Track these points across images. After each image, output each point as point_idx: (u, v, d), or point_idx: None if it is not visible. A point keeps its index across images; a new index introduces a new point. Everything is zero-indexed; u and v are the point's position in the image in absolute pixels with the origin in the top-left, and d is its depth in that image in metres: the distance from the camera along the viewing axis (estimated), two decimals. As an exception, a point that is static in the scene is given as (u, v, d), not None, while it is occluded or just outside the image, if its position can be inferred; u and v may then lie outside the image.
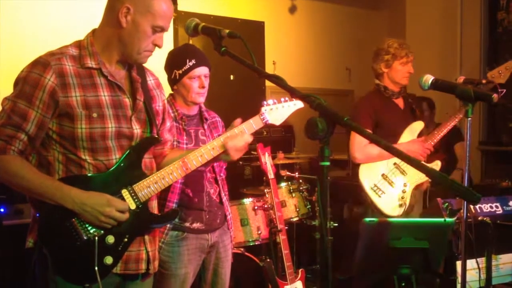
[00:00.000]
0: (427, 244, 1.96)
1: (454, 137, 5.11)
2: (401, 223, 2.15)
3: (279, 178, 4.20)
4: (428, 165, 3.55)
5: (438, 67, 5.98)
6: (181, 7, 5.23)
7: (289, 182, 4.12)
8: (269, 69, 6.09)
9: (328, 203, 4.57)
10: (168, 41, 4.66)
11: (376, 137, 1.45)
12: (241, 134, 2.31)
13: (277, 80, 1.64)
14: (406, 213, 3.68)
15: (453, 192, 1.27)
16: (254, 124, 2.42)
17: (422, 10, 6.48)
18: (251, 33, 5.79)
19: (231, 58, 1.79)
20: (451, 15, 6.21)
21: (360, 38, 6.91)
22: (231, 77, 5.43)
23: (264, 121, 2.45)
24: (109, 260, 2.04)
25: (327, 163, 1.50)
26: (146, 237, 2.20)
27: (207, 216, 2.84)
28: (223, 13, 5.67)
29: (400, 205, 3.51)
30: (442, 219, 2.08)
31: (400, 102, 3.74)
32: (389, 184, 3.55)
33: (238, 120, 2.38)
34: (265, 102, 2.46)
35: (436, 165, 3.61)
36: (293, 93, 1.60)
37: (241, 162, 4.99)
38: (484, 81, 3.18)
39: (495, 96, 2.08)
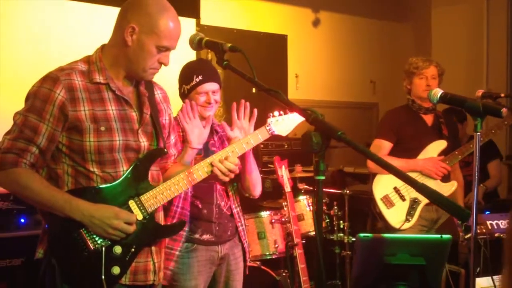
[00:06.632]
0: (423, 260, 1.92)
1: (489, 154, 5.00)
2: (396, 239, 2.11)
3: (297, 191, 4.19)
4: (443, 184, 3.55)
5: (464, 80, 5.89)
6: (204, 21, 5.29)
7: (308, 196, 4.10)
8: (291, 82, 6.08)
9: (346, 218, 4.52)
10: (190, 55, 4.72)
11: (372, 154, 1.44)
12: (226, 158, 2.32)
13: (275, 93, 1.65)
14: (429, 228, 3.65)
15: (444, 209, 1.25)
16: (260, 135, 2.44)
17: (448, 22, 6.41)
18: (274, 46, 5.81)
19: (233, 72, 1.81)
20: (477, 28, 6.12)
21: (385, 50, 6.87)
22: (253, 90, 5.44)
23: (270, 132, 2.47)
24: (116, 270, 2.07)
25: (322, 177, 1.50)
26: (153, 248, 2.22)
27: (217, 228, 2.84)
28: (246, 27, 5.70)
29: (407, 220, 3.52)
30: (438, 236, 2.03)
31: (429, 118, 3.77)
32: (400, 198, 3.59)
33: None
34: (271, 114, 2.49)
35: (452, 185, 3.60)
36: (290, 106, 1.61)
37: (261, 175, 4.98)
38: (502, 95, 3.16)
39: (504, 110, 2.04)
